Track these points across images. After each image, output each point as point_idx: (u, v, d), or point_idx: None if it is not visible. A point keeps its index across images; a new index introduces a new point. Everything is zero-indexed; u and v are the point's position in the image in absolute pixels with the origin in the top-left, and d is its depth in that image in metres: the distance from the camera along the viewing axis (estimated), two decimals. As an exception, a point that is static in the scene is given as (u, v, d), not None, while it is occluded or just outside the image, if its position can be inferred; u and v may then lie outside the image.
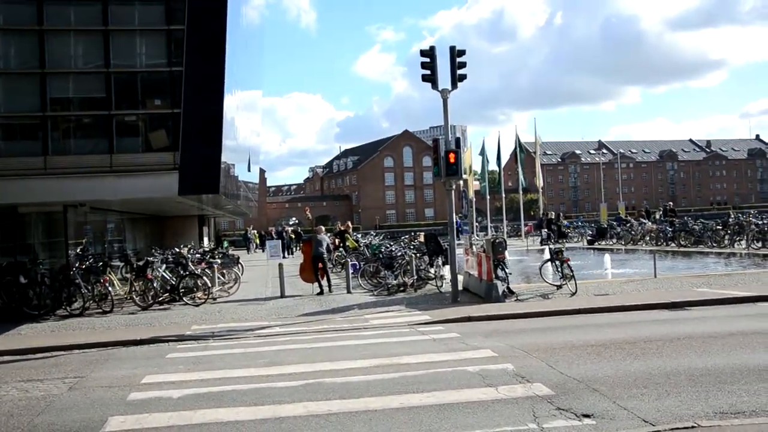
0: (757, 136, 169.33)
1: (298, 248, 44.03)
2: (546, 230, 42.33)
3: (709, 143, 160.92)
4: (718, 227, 31.20)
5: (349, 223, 35.70)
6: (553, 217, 46.09)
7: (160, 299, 18.77)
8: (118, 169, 20.30)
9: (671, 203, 47.09)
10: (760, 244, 27.54)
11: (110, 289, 18.28)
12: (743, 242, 28.90)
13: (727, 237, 30.25)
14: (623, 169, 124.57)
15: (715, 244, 30.20)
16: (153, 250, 23.34)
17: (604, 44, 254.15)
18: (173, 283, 19.08)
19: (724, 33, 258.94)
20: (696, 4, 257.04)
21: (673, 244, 32.56)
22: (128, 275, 20.30)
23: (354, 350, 11.18)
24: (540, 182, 45.86)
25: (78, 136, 21.45)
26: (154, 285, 18.65)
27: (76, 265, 18.82)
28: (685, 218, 37.46)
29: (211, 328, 14.45)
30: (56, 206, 20.26)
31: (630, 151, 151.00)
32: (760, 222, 29.29)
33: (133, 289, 18.87)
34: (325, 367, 9.82)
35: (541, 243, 40.64)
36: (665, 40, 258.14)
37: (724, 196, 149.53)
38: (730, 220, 32.05)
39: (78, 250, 21.32)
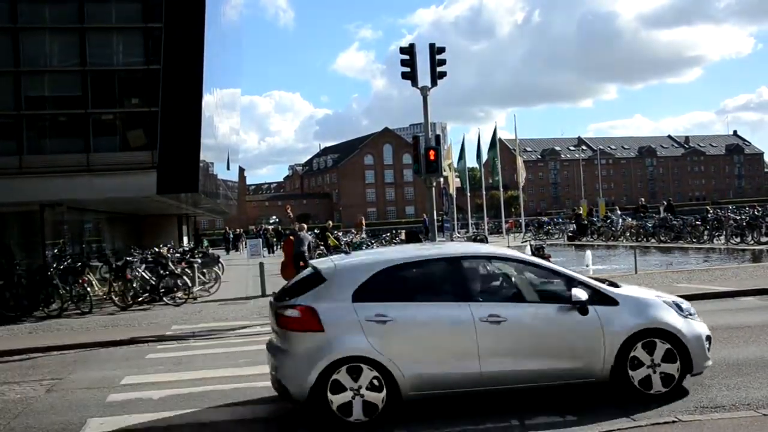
0: (735, 132, 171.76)
1: (279, 247, 43.85)
2: (574, 226, 41.81)
3: (687, 139, 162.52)
4: (697, 223, 31.47)
5: (362, 218, 35.55)
6: (581, 211, 45.38)
7: (140, 299, 18.59)
8: (95, 168, 20.12)
9: (671, 198, 47.16)
10: (738, 239, 27.80)
11: (89, 289, 18.09)
12: (722, 237, 29.16)
13: (706, 232, 30.50)
14: (603, 165, 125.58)
15: (694, 240, 30.43)
16: (132, 250, 23.13)
17: (581, 42, 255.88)
18: (153, 282, 18.89)
19: (698, 30, 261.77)
20: (670, 2, 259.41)
21: (653, 240, 32.80)
22: (107, 275, 20.08)
23: (336, 349, 11.10)
24: (521, 179, 45.92)
25: (54, 135, 21.24)
26: (134, 285, 18.47)
27: (54, 265, 18.60)
28: (660, 215, 37.55)
29: (191, 328, 14.32)
30: (32, 206, 19.99)
31: (609, 147, 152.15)
32: (738, 217, 29.56)
33: (112, 289, 18.67)
34: (307, 366, 9.74)
35: (569, 240, 40.48)
36: (641, 37, 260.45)
37: (703, 191, 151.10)
38: (709, 215, 32.33)
39: (55, 251, 21.07)
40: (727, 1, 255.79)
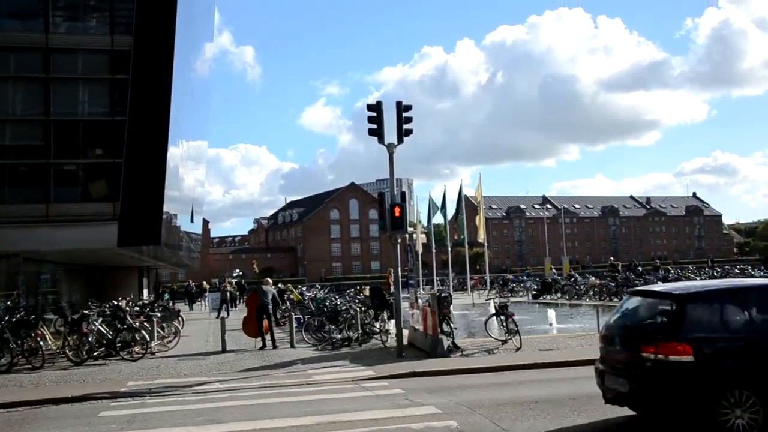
0: (694, 193, 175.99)
1: (241, 301, 42.73)
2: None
3: (648, 200, 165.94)
4: (659, 282, 31.87)
5: (391, 270, 34.38)
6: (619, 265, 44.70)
7: (96, 354, 18.06)
8: (54, 219, 19.81)
9: (634, 260, 47.62)
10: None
11: (41, 343, 17.49)
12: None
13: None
14: (567, 224, 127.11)
15: (656, 299, 30.75)
16: (89, 303, 22.59)
17: (543, 103, 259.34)
18: (110, 337, 18.41)
19: (655, 96, 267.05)
20: (627, 68, 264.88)
21: (616, 299, 33.03)
22: (62, 329, 19.52)
23: (296, 407, 10.88)
24: (482, 236, 46.05)
25: (13, 184, 20.92)
26: (89, 339, 17.94)
27: (6, 318, 18.02)
28: (627, 272, 37.95)
29: (148, 385, 13.93)
30: (-13, 256, 19.57)
31: (573, 206, 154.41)
32: (698, 278, 30.02)
33: (67, 343, 18.11)
34: (266, 425, 9.52)
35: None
36: (600, 100, 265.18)
37: (664, 251, 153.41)
38: (670, 275, 32.80)
39: (8, 302, 20.48)
40: (681, 69, 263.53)
